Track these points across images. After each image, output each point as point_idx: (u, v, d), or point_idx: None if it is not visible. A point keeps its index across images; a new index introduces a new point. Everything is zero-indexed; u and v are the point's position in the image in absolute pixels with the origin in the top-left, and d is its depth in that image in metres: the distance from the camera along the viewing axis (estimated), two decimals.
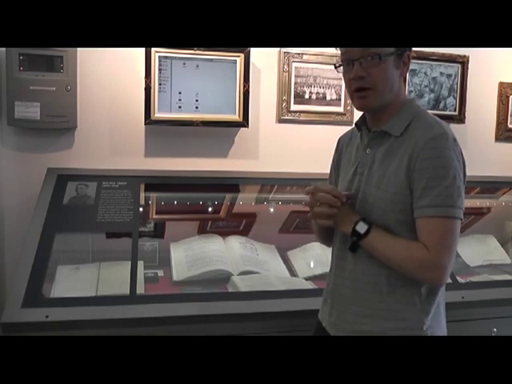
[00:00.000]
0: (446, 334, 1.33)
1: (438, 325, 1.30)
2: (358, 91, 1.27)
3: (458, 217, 1.20)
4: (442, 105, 2.70)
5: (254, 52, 2.38)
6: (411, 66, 2.60)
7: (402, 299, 1.26)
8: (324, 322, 1.41)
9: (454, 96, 2.72)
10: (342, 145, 1.47)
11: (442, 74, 2.69)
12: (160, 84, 2.29)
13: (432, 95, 2.68)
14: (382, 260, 1.25)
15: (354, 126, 1.43)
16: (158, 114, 2.30)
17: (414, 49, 2.77)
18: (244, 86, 2.37)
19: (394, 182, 1.24)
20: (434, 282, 1.23)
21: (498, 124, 2.87)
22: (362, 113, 1.38)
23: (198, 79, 2.33)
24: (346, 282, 1.33)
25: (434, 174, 1.19)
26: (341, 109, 2.58)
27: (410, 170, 1.21)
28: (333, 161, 1.52)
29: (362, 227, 1.24)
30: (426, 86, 2.67)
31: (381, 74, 1.25)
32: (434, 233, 1.19)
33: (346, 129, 1.52)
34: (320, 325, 1.42)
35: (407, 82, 2.61)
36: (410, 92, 2.62)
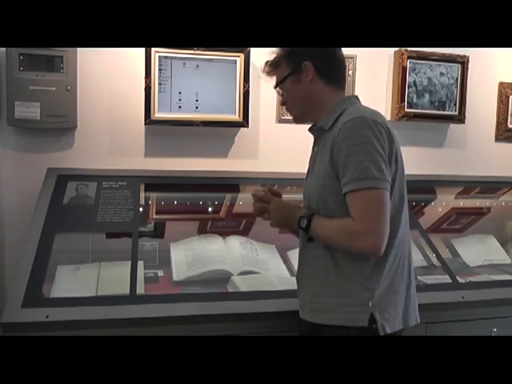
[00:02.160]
0: (404, 322, 1.38)
1: (394, 311, 1.36)
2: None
3: (376, 187, 1.27)
4: (441, 105, 2.70)
5: (254, 52, 2.38)
6: (411, 66, 2.61)
7: (346, 277, 1.36)
8: None
9: (453, 96, 2.72)
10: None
11: (441, 74, 2.69)
12: (160, 84, 2.29)
13: (432, 95, 2.68)
14: (327, 243, 1.37)
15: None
16: (158, 114, 2.30)
17: (414, 49, 2.78)
18: (244, 86, 2.37)
19: (323, 167, 1.37)
20: (367, 251, 1.30)
21: (498, 124, 2.87)
22: None
23: (198, 79, 2.33)
24: (302, 265, 1.49)
25: (349, 151, 1.29)
26: None
27: (331, 155, 1.33)
28: None
29: (303, 222, 1.38)
30: (425, 86, 2.66)
31: (286, 95, 1.50)
32: (355, 205, 1.29)
33: None
34: None
35: (407, 82, 2.61)
36: (414, 92, 2.62)
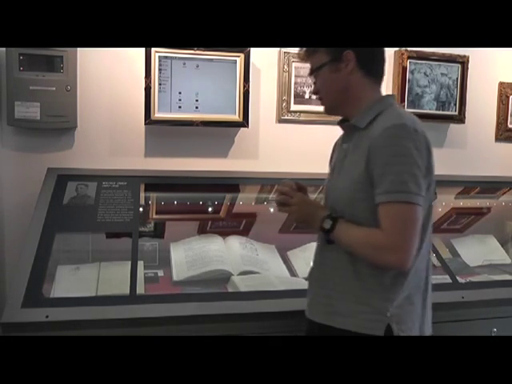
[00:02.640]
0: (420, 333, 1.36)
1: (411, 323, 1.33)
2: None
3: (411, 202, 1.23)
4: (441, 105, 2.69)
5: (254, 52, 2.38)
6: (411, 66, 2.62)
7: (366, 286, 1.32)
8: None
9: (453, 96, 2.72)
10: (335, 145, 1.55)
11: (442, 74, 2.69)
12: (160, 84, 2.29)
13: (432, 95, 2.68)
14: (349, 250, 1.32)
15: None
16: (158, 114, 2.30)
17: (414, 49, 2.77)
18: (244, 86, 2.37)
19: (356, 171, 1.31)
20: (393, 266, 1.27)
21: (498, 124, 2.87)
22: None
23: (198, 79, 2.33)
24: (320, 266, 1.43)
25: (388, 161, 1.24)
26: None
27: (368, 160, 1.28)
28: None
29: (327, 223, 1.33)
30: (425, 86, 2.66)
31: (320, 84, 1.42)
32: (387, 218, 1.24)
33: None
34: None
35: (407, 82, 2.61)
36: (414, 92, 2.62)
